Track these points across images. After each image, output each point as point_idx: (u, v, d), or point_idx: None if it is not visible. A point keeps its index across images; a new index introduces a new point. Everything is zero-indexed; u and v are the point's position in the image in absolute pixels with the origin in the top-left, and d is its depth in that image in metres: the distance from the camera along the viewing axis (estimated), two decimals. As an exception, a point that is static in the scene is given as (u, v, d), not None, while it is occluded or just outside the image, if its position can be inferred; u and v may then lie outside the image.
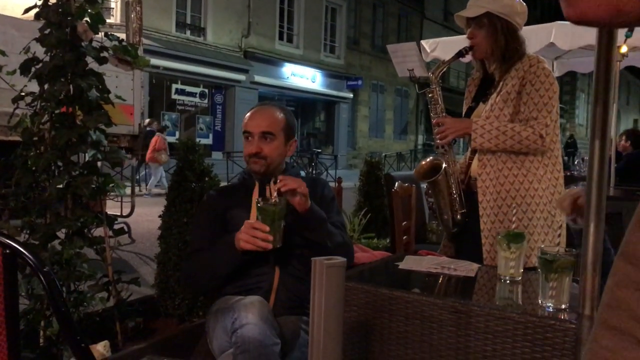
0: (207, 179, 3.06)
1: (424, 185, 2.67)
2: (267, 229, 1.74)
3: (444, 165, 2.35)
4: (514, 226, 1.89)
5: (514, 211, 2.14)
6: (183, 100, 18.12)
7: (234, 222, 1.98)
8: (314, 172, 17.85)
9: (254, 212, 1.95)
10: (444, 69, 2.44)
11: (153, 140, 12.59)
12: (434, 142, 2.40)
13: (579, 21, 0.54)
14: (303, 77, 21.34)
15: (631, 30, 4.43)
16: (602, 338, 0.56)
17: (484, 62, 2.41)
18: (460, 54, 2.37)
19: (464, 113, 2.47)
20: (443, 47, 5.33)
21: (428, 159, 2.47)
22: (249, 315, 1.64)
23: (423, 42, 5.54)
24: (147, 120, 15.48)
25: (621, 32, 4.44)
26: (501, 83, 2.30)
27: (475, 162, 2.37)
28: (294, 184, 1.82)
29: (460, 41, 5.37)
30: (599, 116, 0.87)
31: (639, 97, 44.25)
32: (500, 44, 2.26)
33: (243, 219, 1.89)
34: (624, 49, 4.62)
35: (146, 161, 12.41)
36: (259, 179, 2.04)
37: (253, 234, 1.75)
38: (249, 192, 2.05)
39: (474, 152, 2.36)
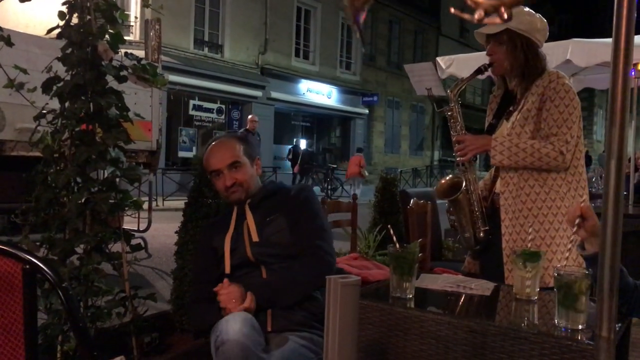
0: (223, 195, 3.07)
1: (443, 202, 2.64)
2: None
3: (464, 183, 2.32)
4: (529, 245, 1.87)
5: (536, 229, 2.09)
6: (200, 116, 18.31)
7: (219, 247, 2.05)
8: (329, 187, 17.87)
9: (230, 231, 2.04)
10: (463, 87, 2.41)
11: (357, 159, 16.46)
12: (455, 159, 2.37)
13: None
14: (319, 93, 21.46)
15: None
16: None
17: (505, 78, 2.38)
18: (479, 71, 2.35)
19: (485, 129, 2.43)
20: (459, 64, 5.33)
21: (448, 177, 2.45)
22: (229, 331, 1.62)
23: (439, 59, 5.55)
24: (302, 141, 18.80)
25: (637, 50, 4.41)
26: (522, 100, 2.27)
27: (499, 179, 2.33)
28: (236, 305, 1.82)
29: (476, 58, 5.38)
30: (615, 135, 0.86)
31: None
32: (520, 60, 2.23)
33: (222, 242, 2.02)
34: (642, 66, 4.59)
35: (347, 177, 16.79)
36: (236, 203, 2.09)
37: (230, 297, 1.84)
38: (228, 216, 2.11)
39: (498, 168, 2.32)
